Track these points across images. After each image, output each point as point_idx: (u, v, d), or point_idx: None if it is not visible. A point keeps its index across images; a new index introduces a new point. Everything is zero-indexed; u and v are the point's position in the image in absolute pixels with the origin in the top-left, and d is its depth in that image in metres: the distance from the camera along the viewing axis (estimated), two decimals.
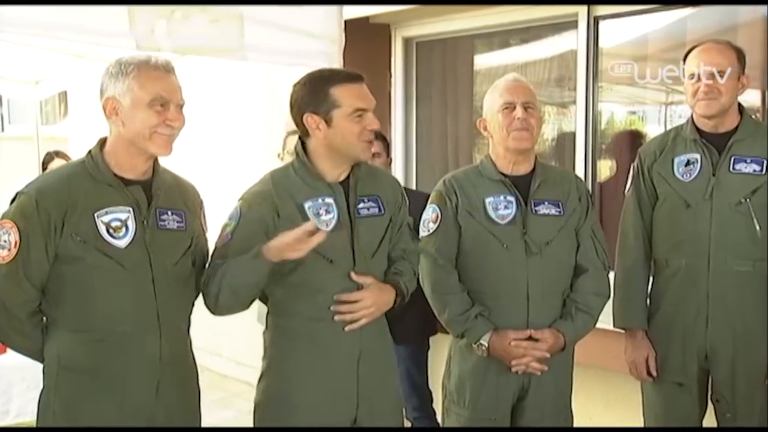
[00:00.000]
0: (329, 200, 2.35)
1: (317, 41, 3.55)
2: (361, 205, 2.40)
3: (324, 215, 2.34)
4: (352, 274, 2.34)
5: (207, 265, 2.35)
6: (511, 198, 2.64)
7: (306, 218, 2.30)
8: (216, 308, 2.32)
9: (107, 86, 2.18)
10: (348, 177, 2.40)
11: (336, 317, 2.34)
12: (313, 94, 2.32)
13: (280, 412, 2.37)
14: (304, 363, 2.36)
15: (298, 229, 2.19)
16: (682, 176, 2.77)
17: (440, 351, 3.20)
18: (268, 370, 2.42)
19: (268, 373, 2.42)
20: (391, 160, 3.80)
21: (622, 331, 2.94)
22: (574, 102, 4.11)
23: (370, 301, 2.35)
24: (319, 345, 2.36)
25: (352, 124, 2.31)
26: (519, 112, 2.60)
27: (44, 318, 2.23)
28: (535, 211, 2.64)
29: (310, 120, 2.33)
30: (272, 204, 2.33)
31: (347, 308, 2.33)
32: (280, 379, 2.39)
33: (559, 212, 2.66)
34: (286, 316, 2.39)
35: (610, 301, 2.81)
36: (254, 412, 2.43)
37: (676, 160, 2.79)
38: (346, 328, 2.34)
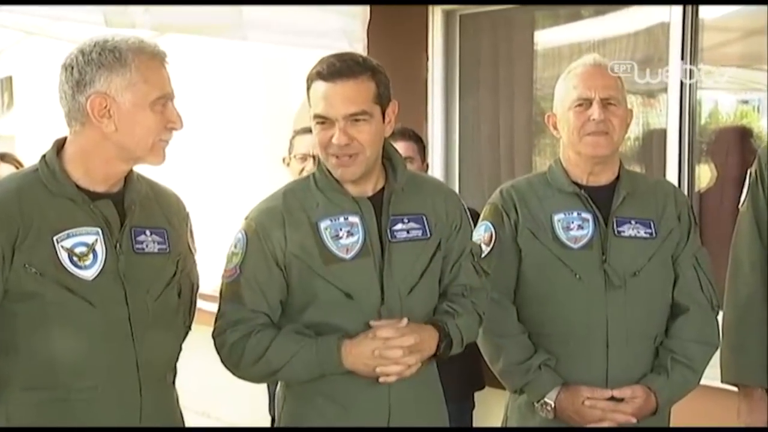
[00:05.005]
0: (353, 219, 2.35)
1: (335, 17, 3.57)
2: (399, 226, 2.39)
3: (344, 238, 2.33)
4: (373, 321, 2.29)
5: (218, 308, 2.38)
6: (587, 215, 2.64)
7: (320, 241, 2.31)
8: (240, 376, 2.40)
9: (93, 78, 2.13)
10: (383, 190, 2.40)
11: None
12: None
13: None
14: (319, 424, 2.37)
15: (381, 328, 2.23)
16: None
17: (490, 410, 3.18)
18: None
19: None
20: (427, 165, 3.79)
21: (734, 388, 2.91)
22: (666, 90, 4.10)
23: (412, 340, 2.26)
24: (335, 402, 2.36)
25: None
26: (595, 111, 2.58)
27: None
28: (619, 232, 2.63)
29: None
30: (281, 223, 2.34)
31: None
32: None
33: (651, 234, 2.65)
34: None
35: (718, 351, 2.77)
36: None
37: None
38: (381, 380, 2.29)
